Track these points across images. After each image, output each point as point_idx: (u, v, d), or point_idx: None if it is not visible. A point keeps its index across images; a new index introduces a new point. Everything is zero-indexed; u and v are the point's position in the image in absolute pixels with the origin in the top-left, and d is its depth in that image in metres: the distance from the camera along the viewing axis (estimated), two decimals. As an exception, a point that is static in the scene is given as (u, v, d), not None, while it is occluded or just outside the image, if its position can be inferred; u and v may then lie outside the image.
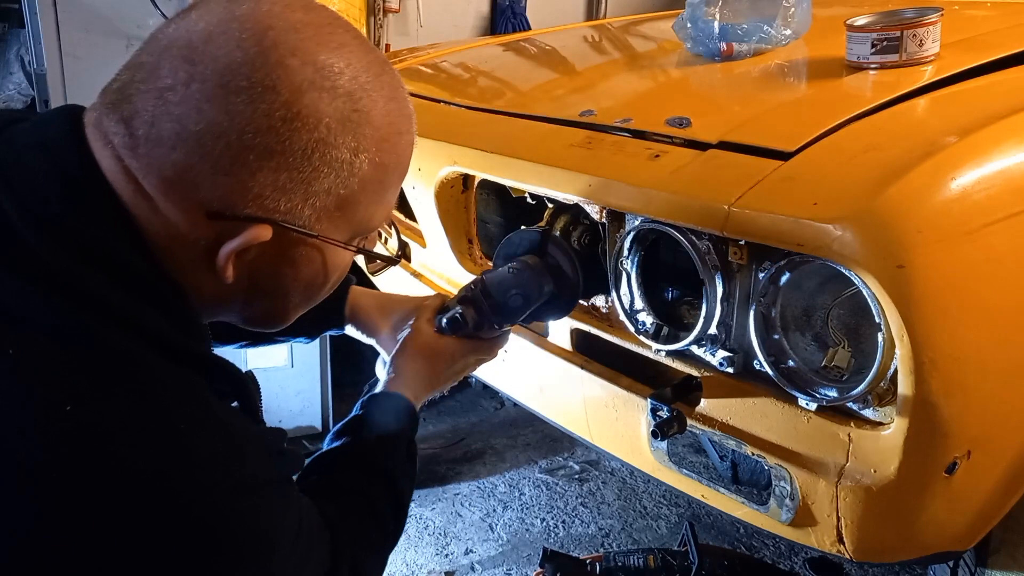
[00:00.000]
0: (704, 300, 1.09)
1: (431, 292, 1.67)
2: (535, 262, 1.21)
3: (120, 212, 0.66)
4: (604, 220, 1.25)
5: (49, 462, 0.58)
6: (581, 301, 1.35)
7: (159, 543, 0.61)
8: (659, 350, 1.20)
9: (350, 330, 1.20)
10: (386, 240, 1.77)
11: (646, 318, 1.21)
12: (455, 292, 1.15)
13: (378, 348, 1.17)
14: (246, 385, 0.74)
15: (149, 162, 0.66)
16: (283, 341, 1.22)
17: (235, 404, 0.74)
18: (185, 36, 0.67)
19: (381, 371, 1.10)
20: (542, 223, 1.38)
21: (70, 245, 0.64)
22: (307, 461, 0.98)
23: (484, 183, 1.53)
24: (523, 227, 1.34)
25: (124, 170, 0.66)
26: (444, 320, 1.09)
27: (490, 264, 1.47)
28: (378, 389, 1.06)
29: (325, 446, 0.99)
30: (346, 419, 1.02)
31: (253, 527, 0.66)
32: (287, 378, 2.53)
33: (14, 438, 0.58)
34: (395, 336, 1.13)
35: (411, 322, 1.11)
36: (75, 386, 0.60)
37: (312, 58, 0.68)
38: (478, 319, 1.10)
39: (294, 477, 0.84)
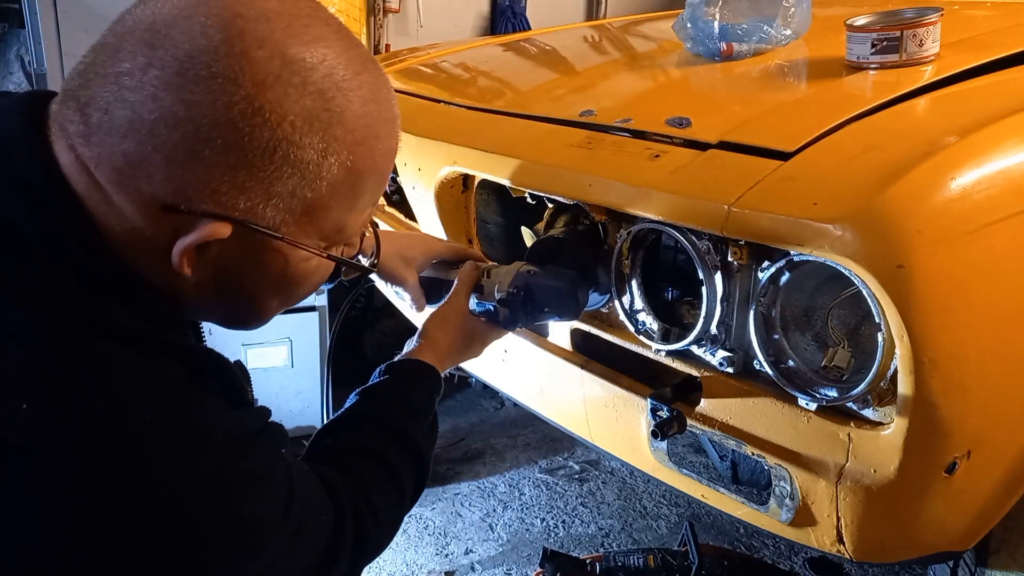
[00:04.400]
0: (704, 300, 1.09)
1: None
2: (578, 282, 1.20)
3: (73, 208, 0.64)
4: (604, 220, 1.25)
5: (7, 462, 0.58)
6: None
7: (131, 536, 0.60)
8: (659, 350, 1.20)
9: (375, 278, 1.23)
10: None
11: (646, 318, 1.21)
12: (485, 261, 1.25)
13: (404, 293, 1.21)
14: (229, 371, 0.72)
15: (101, 151, 0.63)
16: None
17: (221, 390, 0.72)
18: (150, 18, 0.63)
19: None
20: (541, 223, 1.38)
21: (22, 247, 0.62)
22: (326, 423, 0.97)
23: (484, 183, 1.53)
24: (575, 231, 1.33)
25: (78, 160, 0.64)
26: (480, 310, 1.16)
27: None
28: (405, 352, 1.08)
29: (346, 405, 0.98)
30: (370, 381, 1.00)
31: (228, 513, 0.64)
32: (287, 378, 2.53)
33: None
34: (421, 281, 1.19)
35: (447, 292, 1.17)
36: (32, 385, 0.59)
37: (281, 51, 0.64)
38: (510, 317, 1.17)
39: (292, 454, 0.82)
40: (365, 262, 0.87)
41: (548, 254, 1.29)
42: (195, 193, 0.64)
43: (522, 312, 1.16)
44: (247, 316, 0.77)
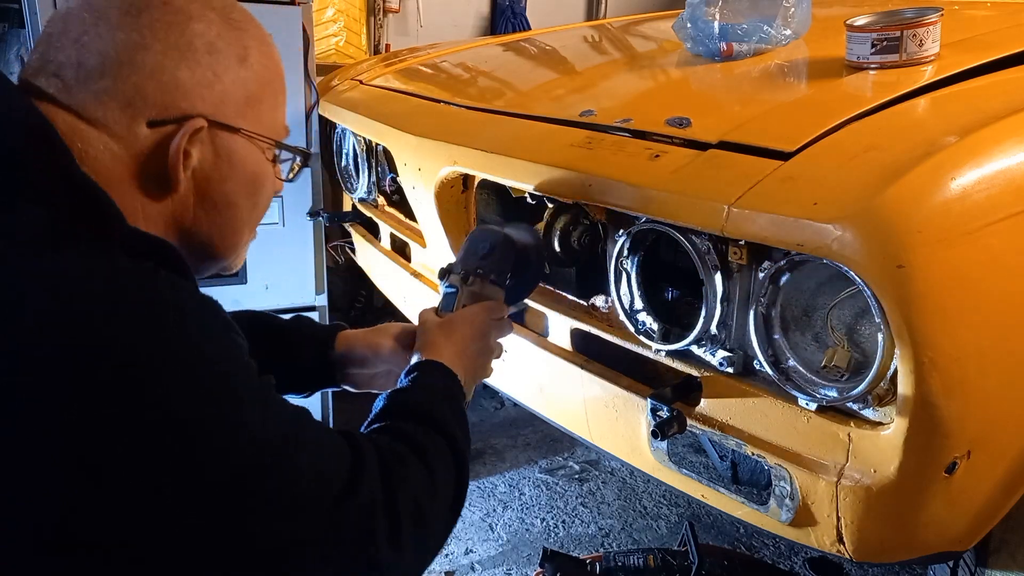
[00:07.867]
0: (704, 300, 1.09)
1: (431, 292, 1.68)
2: (500, 224, 1.24)
3: (47, 135, 0.71)
4: (604, 220, 1.25)
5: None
6: (581, 301, 1.35)
7: (95, 406, 0.62)
8: (659, 350, 1.20)
9: (350, 375, 1.18)
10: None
11: (646, 318, 1.21)
12: None
13: (388, 366, 1.16)
14: (174, 255, 0.75)
15: (85, 96, 0.75)
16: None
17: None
18: (80, 1, 0.78)
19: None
20: (541, 224, 1.39)
21: (10, 167, 0.68)
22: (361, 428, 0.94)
23: (484, 183, 1.53)
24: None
25: (65, 108, 0.75)
26: (440, 302, 1.15)
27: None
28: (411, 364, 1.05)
29: (371, 415, 0.96)
30: (385, 392, 1.00)
31: (190, 362, 0.67)
32: (287, 378, 2.52)
33: None
34: (401, 348, 1.13)
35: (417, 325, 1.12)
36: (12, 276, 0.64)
37: None
38: (463, 278, 1.15)
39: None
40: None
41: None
42: (169, 99, 0.77)
43: (466, 267, 1.15)
44: (223, 233, 0.86)
